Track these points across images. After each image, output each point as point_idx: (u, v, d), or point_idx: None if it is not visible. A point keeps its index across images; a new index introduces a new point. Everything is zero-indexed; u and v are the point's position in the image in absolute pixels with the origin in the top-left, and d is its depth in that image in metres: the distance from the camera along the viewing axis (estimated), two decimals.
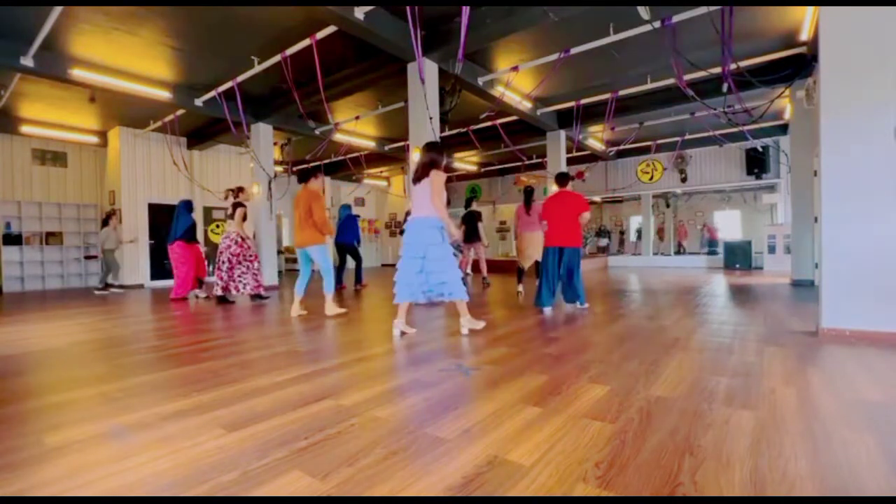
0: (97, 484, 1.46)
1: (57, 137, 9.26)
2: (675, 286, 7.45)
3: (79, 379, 2.73)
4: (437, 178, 3.55)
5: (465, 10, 4.43)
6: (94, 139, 9.60)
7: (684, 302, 5.53)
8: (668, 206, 15.30)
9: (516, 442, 1.70)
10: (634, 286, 7.68)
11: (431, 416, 1.97)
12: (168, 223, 6.78)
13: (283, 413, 2.04)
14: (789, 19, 5.66)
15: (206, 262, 7.06)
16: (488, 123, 8.98)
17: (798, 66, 6.16)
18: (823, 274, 3.44)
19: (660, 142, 11.00)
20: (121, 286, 8.11)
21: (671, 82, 6.47)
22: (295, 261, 14.38)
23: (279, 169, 10.72)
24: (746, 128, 7.74)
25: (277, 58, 5.76)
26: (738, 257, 11.06)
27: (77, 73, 6.17)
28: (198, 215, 10.10)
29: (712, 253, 13.19)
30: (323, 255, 4.89)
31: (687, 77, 5.70)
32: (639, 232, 15.69)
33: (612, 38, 5.42)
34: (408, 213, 7.46)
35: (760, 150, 10.83)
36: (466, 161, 13.37)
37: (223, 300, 6.13)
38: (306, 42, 5.35)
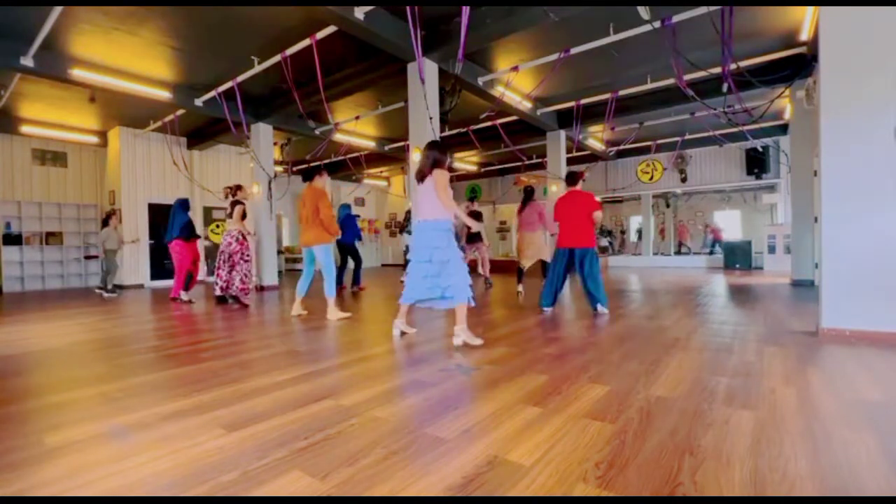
0: (97, 484, 1.46)
1: (57, 137, 9.25)
2: (675, 286, 7.45)
3: (79, 379, 2.73)
4: (441, 176, 3.42)
5: (465, 10, 4.43)
6: (94, 139, 9.60)
7: (684, 302, 5.52)
8: (668, 206, 15.30)
9: (516, 442, 1.70)
10: (634, 286, 7.68)
11: (431, 416, 1.97)
12: (168, 223, 6.74)
13: (283, 413, 2.04)
14: (789, 19, 5.66)
15: (197, 262, 6.88)
16: (488, 123, 8.98)
17: (798, 66, 6.16)
18: (823, 274, 3.44)
19: (660, 142, 11.00)
20: (116, 287, 8.04)
21: (671, 82, 6.47)
22: (296, 261, 14.44)
23: (279, 169, 10.73)
24: (746, 128, 7.74)
25: (277, 58, 5.76)
26: (738, 257, 11.06)
27: (77, 73, 6.17)
28: (198, 215, 10.11)
29: (717, 253, 13.18)
30: (327, 255, 4.81)
31: (687, 77, 5.70)
32: (639, 232, 15.68)
33: (612, 38, 5.41)
34: (408, 213, 7.46)
35: (760, 150, 10.83)
36: (466, 161, 13.37)
37: (222, 300, 6.08)
38: (306, 42, 5.35)
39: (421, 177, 3.53)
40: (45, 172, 9.57)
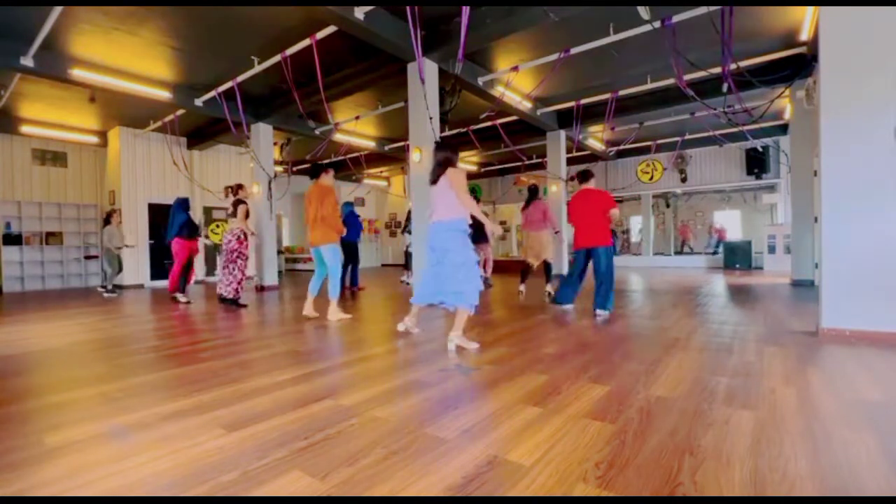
0: (97, 484, 1.46)
1: (57, 137, 9.25)
2: (675, 286, 7.45)
3: (79, 379, 2.73)
4: (457, 175, 3.28)
5: (465, 10, 4.43)
6: (94, 139, 9.60)
7: (684, 302, 5.52)
8: (668, 206, 15.30)
9: (516, 442, 1.70)
10: (635, 286, 7.68)
11: (431, 416, 1.97)
12: (168, 223, 6.72)
13: (283, 413, 2.04)
14: (789, 19, 5.66)
15: (193, 260, 6.84)
16: (488, 123, 8.98)
17: (798, 66, 6.16)
18: (823, 274, 3.44)
19: (660, 142, 11.00)
20: (116, 287, 8.01)
21: (671, 82, 6.47)
22: (296, 261, 14.45)
23: (279, 169, 10.72)
24: (746, 128, 7.74)
25: (277, 58, 5.76)
26: (738, 257, 11.05)
27: (77, 73, 6.17)
28: (198, 215, 10.09)
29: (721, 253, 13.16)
30: (334, 255, 4.71)
31: (687, 77, 5.70)
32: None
33: (612, 38, 5.42)
34: (409, 214, 7.45)
35: (760, 150, 10.83)
36: (466, 161, 13.37)
37: (232, 302, 5.95)
38: (306, 42, 5.35)
39: (434, 178, 3.39)
40: (45, 172, 9.57)
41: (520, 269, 6.50)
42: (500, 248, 15.82)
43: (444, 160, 3.36)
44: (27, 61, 5.68)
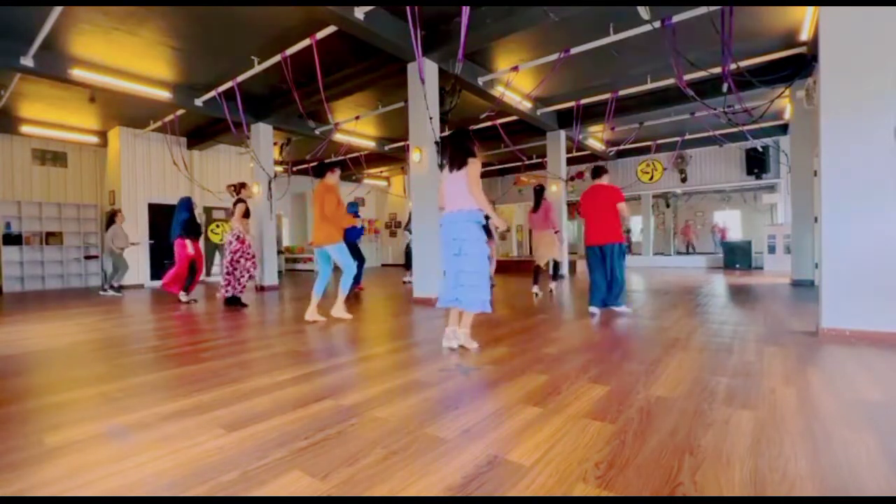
0: (97, 484, 1.46)
1: (57, 137, 9.26)
2: (675, 286, 7.45)
3: (79, 379, 2.73)
4: (475, 167, 3.16)
5: (465, 10, 4.43)
6: (94, 139, 9.61)
7: (684, 302, 5.52)
8: (668, 206, 15.30)
9: (516, 442, 1.70)
10: (635, 286, 7.68)
11: (431, 416, 1.97)
12: (168, 223, 6.72)
13: (283, 413, 2.04)
14: (789, 19, 5.66)
15: (199, 261, 6.82)
16: (488, 123, 8.98)
17: (798, 66, 6.16)
18: (823, 274, 3.44)
19: (660, 142, 11.00)
20: (114, 289, 7.99)
21: (671, 82, 6.47)
22: (296, 261, 14.45)
23: (279, 169, 10.72)
24: (746, 128, 7.74)
25: (277, 58, 5.76)
26: (738, 257, 11.06)
27: (77, 73, 6.17)
28: (197, 215, 10.08)
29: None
30: (342, 253, 4.59)
31: (687, 77, 5.70)
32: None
33: (612, 38, 5.42)
34: (410, 215, 7.44)
35: (760, 150, 10.83)
36: None
37: (233, 301, 5.93)
38: (306, 42, 5.35)
39: (456, 165, 3.21)
40: (45, 172, 9.57)
41: (531, 270, 6.48)
42: (499, 248, 15.82)
43: (465, 149, 3.22)
44: (27, 61, 5.68)
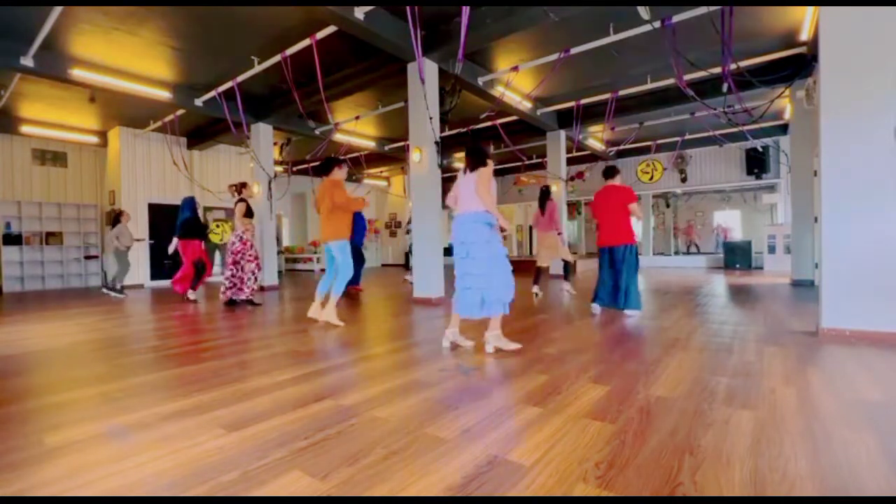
0: (97, 484, 1.46)
1: (57, 137, 9.25)
2: (675, 286, 7.45)
3: (79, 379, 2.73)
4: (486, 170, 3.15)
5: (465, 10, 4.43)
6: (94, 139, 9.60)
7: (684, 302, 5.52)
8: (668, 206, 15.31)
9: (516, 442, 1.70)
10: None
11: (431, 416, 1.97)
12: (168, 223, 6.71)
13: (283, 413, 2.04)
14: (789, 19, 5.66)
15: (204, 260, 6.81)
16: (488, 123, 8.98)
17: (798, 66, 6.16)
18: (823, 274, 3.44)
19: (660, 142, 11.00)
20: (117, 290, 7.97)
21: (671, 82, 6.47)
22: (296, 261, 14.45)
23: (279, 169, 10.72)
24: (746, 128, 7.74)
25: (277, 58, 5.76)
26: (738, 257, 11.06)
27: (77, 73, 6.17)
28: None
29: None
30: (344, 251, 4.45)
31: (687, 77, 5.69)
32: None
33: (612, 38, 5.41)
34: (410, 217, 7.43)
35: (760, 150, 10.83)
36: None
37: (232, 303, 5.93)
38: (306, 42, 5.35)
39: (471, 167, 3.21)
40: (45, 172, 9.57)
41: (531, 269, 6.47)
42: None
43: (482, 154, 3.22)
44: (27, 61, 5.68)
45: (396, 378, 2.60)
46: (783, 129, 10.20)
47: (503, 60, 6.64)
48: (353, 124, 9.12)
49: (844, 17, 3.33)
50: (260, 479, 1.46)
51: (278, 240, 11.33)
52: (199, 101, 7.41)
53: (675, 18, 4.83)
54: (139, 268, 9.59)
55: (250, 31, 5.63)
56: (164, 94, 7.08)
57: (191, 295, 6.52)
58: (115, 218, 7.85)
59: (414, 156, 5.95)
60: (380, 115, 8.80)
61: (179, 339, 3.89)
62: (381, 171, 15.36)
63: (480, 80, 6.66)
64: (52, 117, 8.59)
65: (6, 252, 8.92)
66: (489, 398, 2.21)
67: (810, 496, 1.31)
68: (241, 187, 6.01)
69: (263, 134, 8.49)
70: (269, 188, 8.51)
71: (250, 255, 5.87)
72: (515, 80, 6.95)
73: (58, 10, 4.69)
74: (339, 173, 4.58)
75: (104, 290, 7.86)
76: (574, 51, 5.74)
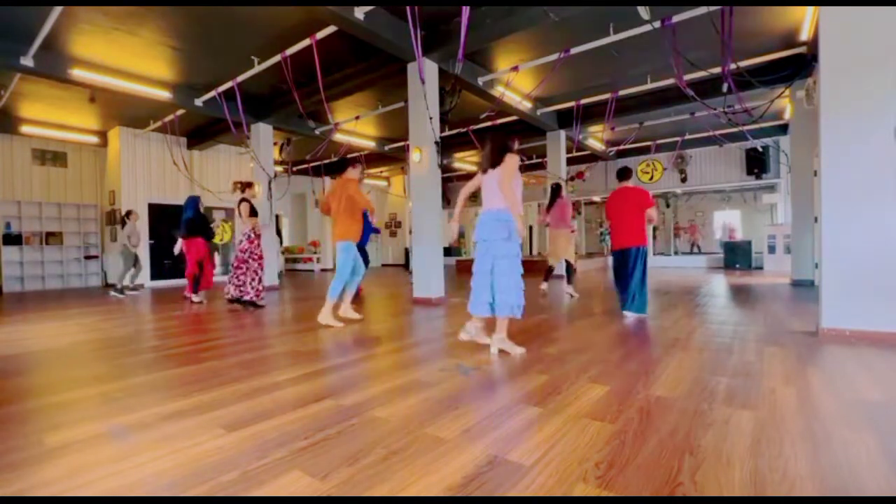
0: (97, 484, 1.46)
1: (57, 137, 9.25)
2: (675, 286, 7.45)
3: (79, 379, 2.73)
4: (512, 160, 3.03)
5: (465, 10, 4.43)
6: (94, 139, 9.60)
7: (684, 302, 5.53)
8: (668, 206, 15.30)
9: (516, 442, 1.70)
10: None
11: (431, 416, 1.97)
12: (167, 223, 6.70)
13: (283, 413, 2.04)
14: (789, 19, 5.66)
15: (206, 261, 6.78)
16: (488, 123, 8.98)
17: (798, 66, 6.16)
18: (823, 274, 3.44)
19: (660, 142, 11.00)
20: (125, 288, 7.94)
21: (671, 82, 6.47)
22: (296, 261, 14.45)
23: (279, 169, 10.72)
24: (746, 128, 7.74)
25: (277, 58, 5.75)
26: (738, 257, 11.06)
27: (77, 73, 6.17)
28: None
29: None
30: (345, 252, 4.41)
31: (687, 77, 5.70)
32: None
33: (612, 38, 5.41)
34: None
35: (760, 150, 10.83)
36: (466, 161, 13.36)
37: (236, 301, 5.78)
38: (306, 42, 5.35)
39: (488, 165, 3.14)
40: (45, 172, 9.57)
41: (537, 269, 6.49)
42: None
43: (503, 146, 3.11)
44: (27, 61, 5.68)
45: (396, 378, 2.60)
46: (783, 129, 10.19)
47: (503, 60, 6.64)
48: (353, 124, 9.13)
49: (844, 17, 3.33)
50: (260, 479, 1.46)
51: (279, 232, 11.15)
52: (199, 101, 7.41)
53: (675, 18, 4.83)
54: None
55: (250, 31, 5.63)
56: (164, 94, 7.08)
57: (195, 297, 6.47)
58: (123, 217, 7.85)
59: (414, 156, 5.95)
60: (380, 115, 8.80)
61: (179, 339, 3.89)
62: (381, 171, 15.37)
63: (480, 80, 6.66)
64: (52, 117, 8.59)
65: (6, 252, 8.92)
66: (489, 398, 2.21)
67: (810, 496, 1.31)
68: (246, 186, 5.94)
69: (263, 134, 8.49)
70: (269, 188, 8.51)
71: (255, 255, 5.82)
72: (515, 80, 6.94)
73: (58, 10, 4.69)
74: (353, 172, 4.59)
75: (112, 293, 7.81)
76: (574, 51, 5.74)
